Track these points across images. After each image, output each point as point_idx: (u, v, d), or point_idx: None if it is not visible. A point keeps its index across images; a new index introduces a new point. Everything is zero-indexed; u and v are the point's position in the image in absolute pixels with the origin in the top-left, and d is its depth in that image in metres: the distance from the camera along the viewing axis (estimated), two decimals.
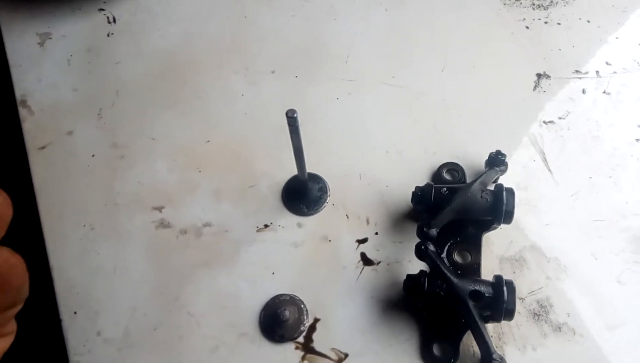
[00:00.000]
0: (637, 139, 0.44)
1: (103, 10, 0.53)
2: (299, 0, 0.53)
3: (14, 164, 0.46)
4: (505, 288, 0.34)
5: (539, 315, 0.37)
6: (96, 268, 0.40)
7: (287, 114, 0.32)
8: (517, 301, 0.37)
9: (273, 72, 0.49)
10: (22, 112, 0.47)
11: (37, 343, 0.44)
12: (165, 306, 0.38)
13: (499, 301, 0.33)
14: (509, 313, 0.33)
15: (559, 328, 0.37)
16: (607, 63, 0.48)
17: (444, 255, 0.39)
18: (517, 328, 0.37)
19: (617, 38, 0.49)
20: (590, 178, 0.42)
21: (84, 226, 0.42)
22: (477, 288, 0.34)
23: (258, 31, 0.51)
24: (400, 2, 0.52)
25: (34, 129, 0.46)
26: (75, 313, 0.38)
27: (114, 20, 0.52)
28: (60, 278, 0.40)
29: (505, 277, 0.35)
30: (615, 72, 0.47)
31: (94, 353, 0.37)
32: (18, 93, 0.48)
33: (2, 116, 0.48)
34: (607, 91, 0.46)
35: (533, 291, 0.38)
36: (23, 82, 0.49)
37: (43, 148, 0.45)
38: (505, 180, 0.42)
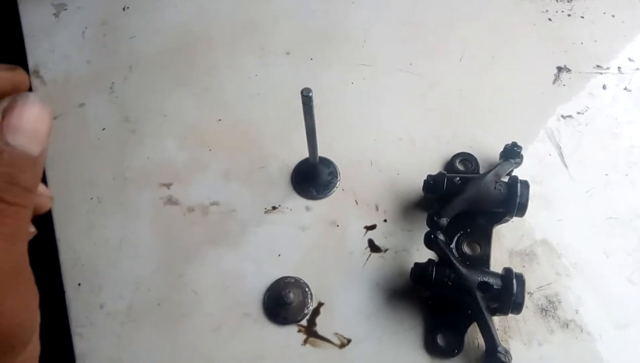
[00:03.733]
0: None
1: None
2: None
3: None
4: (514, 281, 0.33)
5: (547, 310, 0.36)
6: (102, 241, 0.40)
7: (302, 92, 0.31)
8: (526, 296, 0.37)
9: (288, 53, 0.48)
10: (35, 82, 0.47)
11: (40, 313, 0.44)
12: (170, 282, 0.38)
13: (507, 293, 0.33)
14: (517, 307, 0.33)
15: (566, 324, 0.36)
16: (629, 59, 0.47)
17: (453, 245, 0.38)
18: (524, 322, 0.36)
19: None
20: (607, 175, 0.41)
21: (92, 199, 0.42)
22: (486, 279, 0.34)
23: (275, 11, 0.51)
24: None
25: (46, 100, 0.45)
26: (79, 285, 0.38)
27: None
28: (65, 250, 0.40)
29: (514, 270, 0.34)
30: (637, 69, 0.46)
31: (96, 326, 0.37)
32: (31, 63, 0.48)
33: None
34: (628, 87, 0.45)
35: (542, 287, 0.37)
36: (36, 53, 0.49)
37: (54, 118, 0.45)
38: (519, 173, 0.41)
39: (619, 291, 0.37)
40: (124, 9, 0.51)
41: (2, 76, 0.20)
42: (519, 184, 0.36)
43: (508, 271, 0.34)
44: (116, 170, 0.43)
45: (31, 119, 0.19)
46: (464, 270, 0.34)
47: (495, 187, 0.37)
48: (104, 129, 0.45)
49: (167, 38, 0.49)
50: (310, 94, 0.31)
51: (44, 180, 0.42)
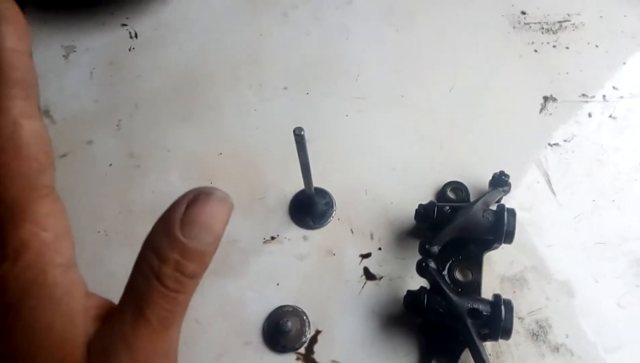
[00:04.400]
0: None
1: (126, 25, 0.55)
2: (313, 19, 0.55)
3: None
4: (503, 307, 0.34)
5: (538, 335, 0.38)
6: (108, 273, 0.42)
7: (294, 131, 0.33)
8: (517, 321, 0.38)
9: (285, 88, 0.51)
10: (45, 121, 0.49)
11: None
12: None
13: (496, 319, 0.34)
14: (506, 332, 0.34)
15: (557, 349, 0.37)
16: (614, 88, 0.48)
17: (445, 272, 0.40)
18: (516, 347, 0.37)
19: (624, 63, 0.50)
20: (594, 201, 0.43)
21: (99, 232, 0.44)
22: (475, 306, 0.35)
23: (272, 48, 0.53)
24: (410, 23, 0.54)
25: (56, 137, 0.48)
26: None
27: (136, 36, 0.55)
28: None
29: (504, 296, 0.35)
30: (621, 97, 0.48)
31: None
32: (42, 103, 0.51)
33: None
34: (613, 115, 0.47)
35: (532, 312, 0.38)
36: (47, 93, 0.51)
37: (64, 155, 0.48)
38: (509, 200, 0.42)
39: (608, 315, 0.38)
40: (129, 49, 0.54)
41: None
42: (505, 213, 0.38)
43: (497, 298, 0.35)
44: (122, 204, 0.45)
45: (208, 214, 0.21)
46: (454, 297, 0.35)
47: (483, 216, 0.38)
48: (110, 164, 0.47)
49: (170, 76, 0.52)
50: (302, 132, 0.33)
51: None
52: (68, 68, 0.53)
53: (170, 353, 0.22)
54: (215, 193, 0.21)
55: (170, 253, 0.20)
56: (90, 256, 0.42)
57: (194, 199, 0.21)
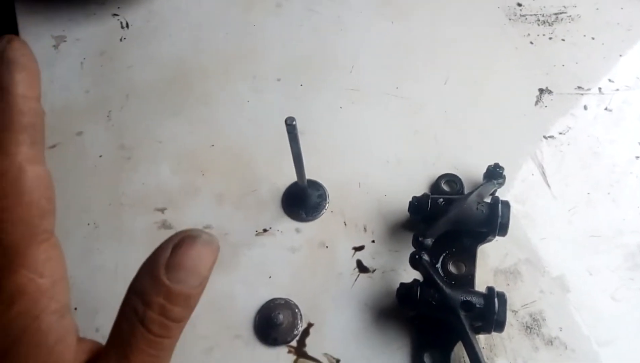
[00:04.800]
0: (637, 157, 0.44)
1: (117, 15, 0.55)
2: (307, 10, 0.54)
3: None
4: (496, 299, 0.34)
5: (531, 328, 0.37)
6: (98, 266, 0.41)
7: (286, 121, 0.33)
8: (510, 314, 0.37)
9: (278, 80, 0.50)
10: None
11: None
12: None
13: (489, 312, 0.34)
14: (499, 325, 0.34)
15: (551, 342, 0.37)
16: (609, 80, 0.48)
17: (439, 265, 0.39)
18: (509, 340, 0.37)
19: (620, 56, 0.49)
20: (589, 193, 0.43)
21: (88, 224, 0.43)
22: (468, 298, 0.35)
23: (266, 40, 0.53)
24: (405, 15, 0.53)
25: (46, 128, 0.48)
26: (75, 309, 0.39)
27: (127, 26, 0.54)
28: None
29: (498, 289, 0.35)
30: (617, 90, 0.48)
31: None
32: None
33: None
34: (608, 107, 0.47)
35: (526, 304, 0.38)
36: None
37: (53, 146, 0.47)
38: (503, 193, 0.42)
39: (602, 308, 0.38)
40: (121, 39, 0.53)
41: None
42: (500, 205, 0.37)
43: (490, 291, 0.35)
44: (112, 196, 0.44)
45: (194, 257, 0.21)
46: (447, 290, 0.35)
47: (477, 208, 0.38)
48: (100, 156, 0.46)
49: (162, 67, 0.51)
50: (294, 122, 0.32)
51: None
52: (58, 58, 0.52)
53: None
54: (201, 236, 0.21)
55: (155, 297, 0.20)
56: (80, 249, 0.42)
57: (179, 242, 0.21)
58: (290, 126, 0.33)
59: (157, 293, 0.20)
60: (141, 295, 0.21)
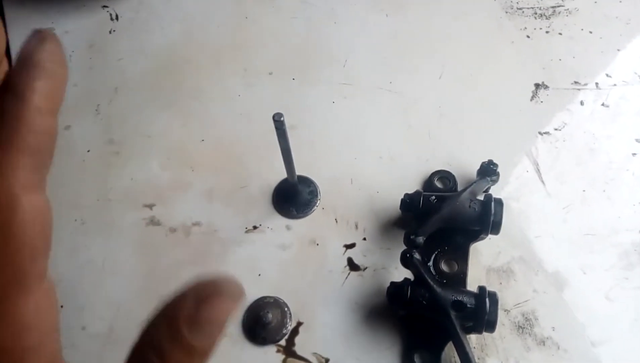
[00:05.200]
0: (634, 154, 0.43)
1: (106, 7, 0.53)
2: (300, 2, 0.53)
3: None
4: (487, 299, 0.34)
5: (524, 327, 0.37)
6: (85, 262, 0.41)
7: (273, 117, 0.32)
8: (502, 313, 0.37)
9: (271, 73, 0.49)
10: None
11: None
12: (152, 303, 0.38)
13: (480, 312, 0.33)
14: (490, 325, 0.33)
15: (543, 342, 0.36)
16: (607, 75, 0.47)
17: (430, 263, 0.39)
18: (501, 340, 0.36)
19: (618, 50, 0.49)
20: (584, 191, 0.42)
21: (76, 220, 0.42)
22: (459, 298, 0.34)
23: (258, 32, 0.52)
24: (400, 8, 0.52)
25: None
26: (62, 307, 0.39)
27: (117, 18, 0.53)
28: (49, 272, 0.40)
29: (490, 288, 0.35)
30: (615, 85, 0.47)
31: (77, 348, 0.37)
32: None
33: None
34: (605, 103, 0.46)
35: (519, 304, 0.38)
36: None
37: None
38: (497, 190, 0.41)
39: (596, 308, 0.37)
40: (110, 32, 0.52)
41: None
42: (492, 203, 0.36)
43: (482, 290, 0.34)
44: (100, 191, 0.44)
45: (220, 312, 0.18)
46: (438, 289, 0.34)
47: (470, 206, 0.37)
48: (88, 151, 0.45)
49: (152, 60, 0.50)
50: (282, 118, 0.32)
51: None
52: None
53: None
54: (228, 289, 0.18)
55: (174, 353, 0.18)
56: (67, 245, 0.41)
57: (206, 297, 0.18)
58: (278, 123, 0.32)
59: (176, 348, 0.18)
60: (158, 349, 0.18)
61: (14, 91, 0.17)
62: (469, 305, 0.34)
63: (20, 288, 0.17)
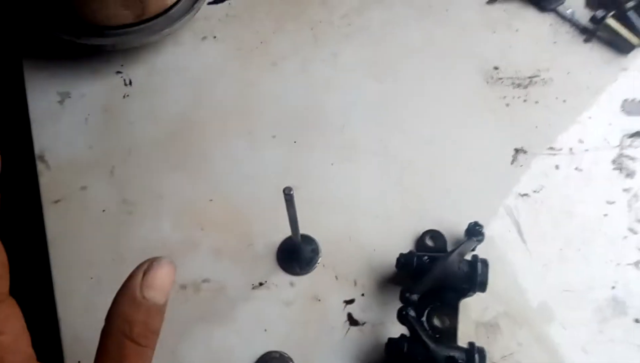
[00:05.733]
0: (606, 214, 0.48)
1: (120, 73, 0.58)
2: (301, 71, 0.58)
3: (30, 216, 0.49)
4: (477, 355, 0.37)
5: None
6: (101, 320, 0.43)
7: (284, 191, 0.36)
8: None
9: (274, 137, 0.53)
10: (40, 166, 0.51)
11: None
12: (162, 359, 0.41)
13: None
14: None
15: None
16: (580, 141, 0.52)
17: (424, 318, 0.42)
18: None
19: (590, 118, 0.54)
20: (561, 249, 0.46)
21: (92, 278, 0.45)
22: (452, 354, 0.37)
23: (261, 98, 0.56)
24: (392, 77, 0.57)
25: (50, 183, 0.50)
26: (79, 362, 0.41)
27: (130, 83, 0.57)
28: (66, 329, 0.43)
29: (478, 343, 0.38)
30: (587, 150, 0.52)
31: None
32: (37, 148, 0.52)
33: (21, 169, 0.51)
34: (579, 167, 0.51)
35: (505, 356, 0.41)
36: (42, 138, 0.53)
37: (57, 201, 0.49)
38: (483, 248, 0.45)
39: (574, 359, 0.41)
40: (124, 96, 0.56)
41: None
42: (479, 264, 0.40)
43: (471, 346, 0.38)
44: (114, 250, 0.46)
45: (161, 277, 0.26)
46: (432, 346, 0.37)
47: (459, 267, 0.41)
48: (103, 210, 0.49)
49: (163, 123, 0.54)
50: (292, 192, 0.35)
51: (46, 259, 0.45)
52: (63, 114, 0.55)
53: None
54: (163, 260, 0.27)
55: (137, 315, 0.25)
56: (84, 303, 0.44)
57: (148, 267, 0.26)
58: (288, 196, 0.36)
59: (138, 311, 0.25)
60: (124, 316, 0.25)
61: None
62: (460, 361, 0.37)
63: None
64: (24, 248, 0.49)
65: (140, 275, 0.26)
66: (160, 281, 0.26)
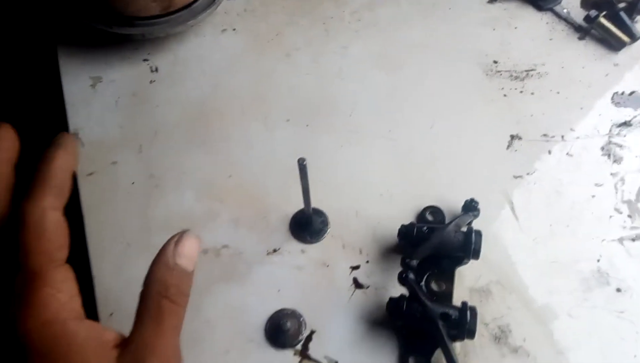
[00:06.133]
0: (593, 196, 0.52)
1: (147, 60, 0.62)
2: (313, 61, 0.62)
3: None
4: (469, 312, 0.41)
5: (500, 338, 0.44)
6: (130, 279, 0.48)
7: (298, 161, 0.40)
8: (482, 326, 0.44)
9: (288, 120, 0.58)
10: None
11: None
12: (188, 314, 0.45)
13: (463, 322, 0.41)
14: (470, 333, 0.41)
15: (516, 350, 0.44)
16: (571, 129, 0.56)
17: (422, 283, 0.46)
18: (481, 348, 0.44)
19: (581, 108, 0.58)
20: (551, 226, 0.50)
21: (122, 243, 0.50)
22: (446, 311, 0.42)
23: (276, 86, 0.61)
24: (398, 69, 0.61)
25: (84, 158, 0.55)
26: (111, 314, 0.46)
27: (156, 70, 0.62)
28: (99, 285, 0.47)
29: (470, 304, 0.42)
30: (578, 138, 0.56)
31: None
32: (72, 127, 0.57)
33: None
34: (569, 153, 0.55)
35: (495, 318, 0.45)
36: (76, 118, 0.58)
37: (91, 174, 0.54)
38: (478, 223, 0.49)
39: (560, 323, 0.45)
40: (150, 82, 0.61)
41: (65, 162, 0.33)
42: (473, 234, 0.44)
43: (464, 304, 0.42)
44: (142, 219, 0.51)
45: (189, 247, 0.32)
46: (428, 303, 0.42)
47: (455, 236, 0.45)
48: (132, 183, 0.53)
49: (186, 107, 0.59)
50: (305, 162, 0.40)
51: (81, 225, 0.50)
52: (95, 97, 0.60)
53: (179, 353, 0.31)
54: (190, 232, 0.33)
55: (172, 279, 0.31)
56: (115, 263, 0.48)
57: (179, 240, 0.32)
58: (302, 166, 0.40)
59: (171, 275, 0.31)
60: (160, 280, 0.31)
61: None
62: (453, 317, 0.41)
63: (51, 266, 0.30)
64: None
65: (172, 245, 0.31)
66: (189, 251, 0.32)
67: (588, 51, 0.62)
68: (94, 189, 0.53)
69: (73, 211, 0.51)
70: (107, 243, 0.50)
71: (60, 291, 0.29)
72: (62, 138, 0.33)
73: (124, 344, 0.30)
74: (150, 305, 0.30)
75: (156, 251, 0.47)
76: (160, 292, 0.30)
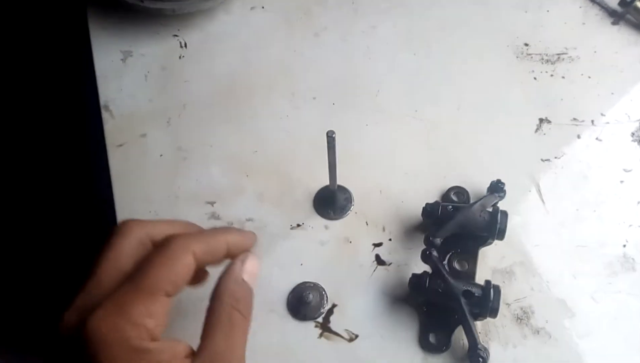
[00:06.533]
0: (622, 181, 0.51)
1: (177, 36, 0.63)
2: (341, 41, 0.62)
3: (96, 157, 0.55)
4: (492, 290, 0.41)
5: (522, 319, 0.44)
6: None
7: (327, 133, 0.40)
8: (504, 306, 0.44)
9: (314, 98, 0.58)
10: (105, 115, 0.57)
11: None
12: (213, 283, 0.47)
13: (486, 300, 0.41)
14: (493, 312, 0.41)
15: (538, 331, 0.44)
16: (601, 114, 0.55)
17: (445, 262, 0.46)
18: (502, 328, 0.44)
19: (612, 94, 0.57)
20: (577, 210, 0.50)
21: (150, 212, 0.51)
22: (469, 288, 0.42)
23: (304, 63, 0.61)
24: (426, 48, 0.61)
25: (114, 130, 0.56)
26: None
27: (185, 45, 0.62)
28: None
29: (493, 283, 0.42)
30: (608, 123, 0.55)
31: None
32: (102, 100, 0.58)
33: (89, 117, 0.58)
34: (599, 138, 0.54)
35: (518, 299, 0.45)
36: (107, 91, 0.59)
37: (120, 145, 0.55)
38: (503, 205, 0.49)
39: (582, 306, 0.45)
40: (179, 57, 0.61)
41: (236, 238, 0.36)
42: (499, 214, 0.44)
43: (488, 283, 0.42)
44: (170, 190, 0.52)
45: (253, 266, 0.35)
46: (451, 280, 0.42)
47: (480, 215, 0.45)
48: (161, 155, 0.54)
49: (214, 83, 0.59)
50: (334, 135, 0.40)
51: (111, 194, 0.51)
52: (126, 70, 0.61)
53: (244, 357, 0.33)
54: (254, 254, 0.36)
55: (241, 293, 0.34)
56: None
57: (245, 260, 0.35)
58: (330, 138, 0.40)
59: (241, 289, 0.34)
60: (231, 292, 0.33)
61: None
62: (476, 294, 0.41)
63: (162, 291, 0.31)
64: (91, 185, 0.55)
65: (239, 263, 0.35)
66: (252, 269, 0.35)
67: (622, 36, 0.61)
68: (123, 160, 0.54)
69: (102, 180, 0.52)
70: (135, 212, 0.51)
71: (150, 316, 0.30)
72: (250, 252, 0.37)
73: (195, 354, 0.31)
74: (222, 316, 0.32)
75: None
76: (232, 305, 0.33)
